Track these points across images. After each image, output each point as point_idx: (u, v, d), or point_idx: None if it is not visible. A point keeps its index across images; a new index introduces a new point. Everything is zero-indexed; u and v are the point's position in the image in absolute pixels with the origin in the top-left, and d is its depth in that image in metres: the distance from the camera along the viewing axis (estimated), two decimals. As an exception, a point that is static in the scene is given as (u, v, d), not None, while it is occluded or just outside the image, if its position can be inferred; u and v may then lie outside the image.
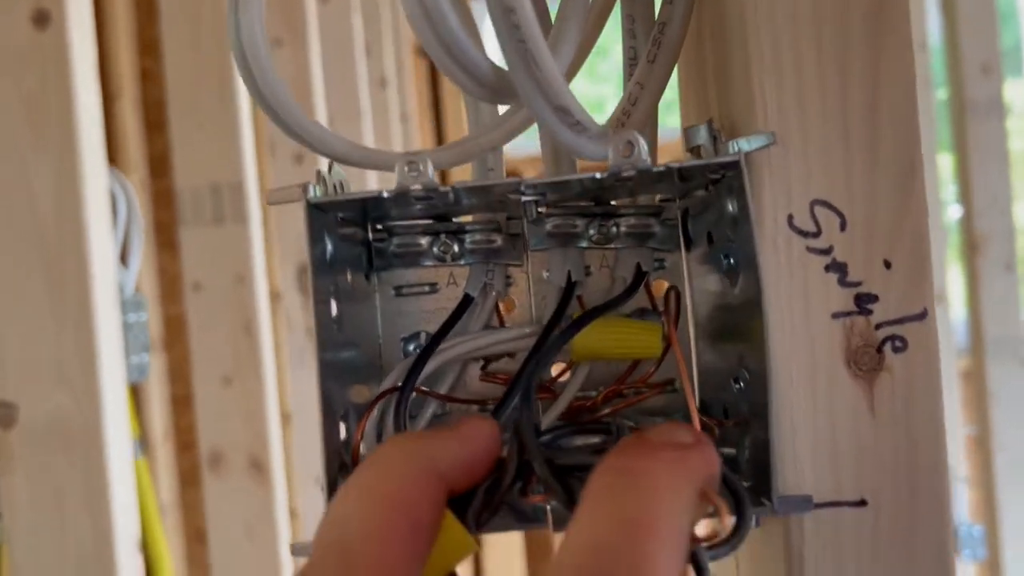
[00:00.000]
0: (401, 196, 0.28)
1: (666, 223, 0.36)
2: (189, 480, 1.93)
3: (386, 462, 0.24)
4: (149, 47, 1.83)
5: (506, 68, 0.28)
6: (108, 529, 0.83)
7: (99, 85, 0.81)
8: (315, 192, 0.29)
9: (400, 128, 2.19)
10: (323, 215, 0.30)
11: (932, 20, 2.01)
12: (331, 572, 0.22)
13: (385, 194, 0.28)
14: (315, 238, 0.29)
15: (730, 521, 0.23)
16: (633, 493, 0.21)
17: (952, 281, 2.01)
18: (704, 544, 0.23)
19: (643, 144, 0.27)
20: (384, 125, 2.02)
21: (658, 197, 0.36)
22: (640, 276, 0.35)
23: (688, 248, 0.36)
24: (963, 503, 1.94)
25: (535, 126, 0.34)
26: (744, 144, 0.27)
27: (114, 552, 0.83)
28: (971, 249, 1.84)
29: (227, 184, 1.17)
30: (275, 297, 1.54)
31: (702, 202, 0.34)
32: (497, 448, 0.26)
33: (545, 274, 0.36)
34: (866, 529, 0.28)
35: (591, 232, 0.36)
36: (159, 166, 1.84)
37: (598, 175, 0.28)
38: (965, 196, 1.84)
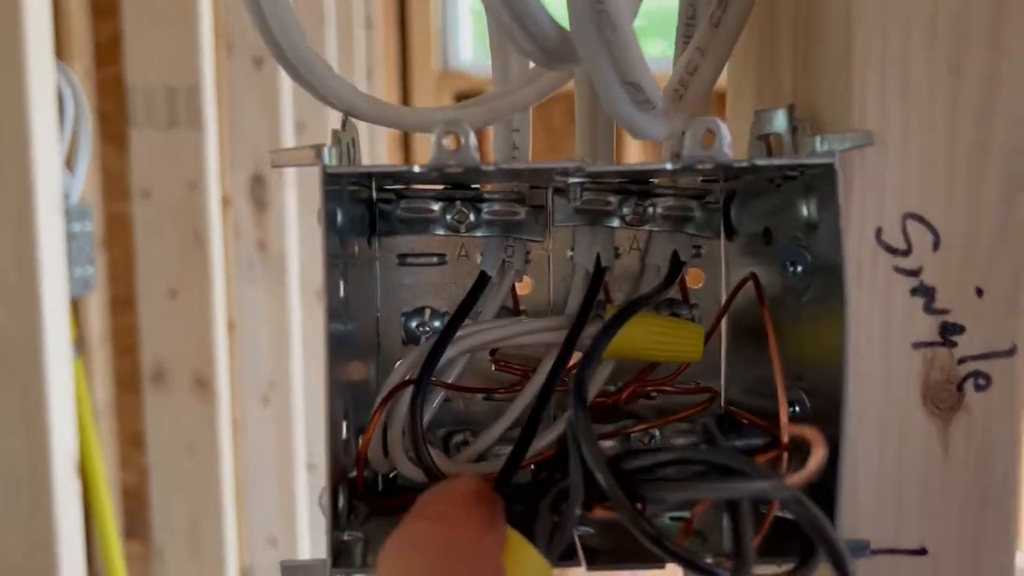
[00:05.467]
0: (433, 171, 0.24)
1: (707, 207, 0.32)
2: (127, 384, 1.87)
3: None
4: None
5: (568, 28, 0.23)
6: (44, 450, 0.79)
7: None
8: (330, 157, 0.24)
9: (364, 36, 2.09)
10: (338, 180, 0.26)
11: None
12: None
13: (417, 169, 0.24)
14: (331, 206, 0.25)
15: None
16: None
17: None
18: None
19: (725, 133, 0.23)
20: (348, 32, 1.93)
21: (700, 177, 0.32)
22: (678, 265, 0.31)
23: (729, 236, 0.32)
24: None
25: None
26: (837, 143, 0.24)
27: (50, 474, 0.79)
28: None
29: (183, 87, 1.10)
30: (224, 204, 1.47)
31: (751, 188, 0.31)
32: None
33: (569, 253, 0.32)
34: (923, 580, 0.25)
35: (625, 211, 0.32)
36: (106, 54, 1.73)
37: (670, 166, 0.24)
38: None
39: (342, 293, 0.27)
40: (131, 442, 1.88)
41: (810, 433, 0.21)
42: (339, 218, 0.26)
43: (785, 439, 0.24)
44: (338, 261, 0.26)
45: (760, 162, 0.24)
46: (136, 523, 1.79)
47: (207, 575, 1.19)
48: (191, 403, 1.19)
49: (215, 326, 1.18)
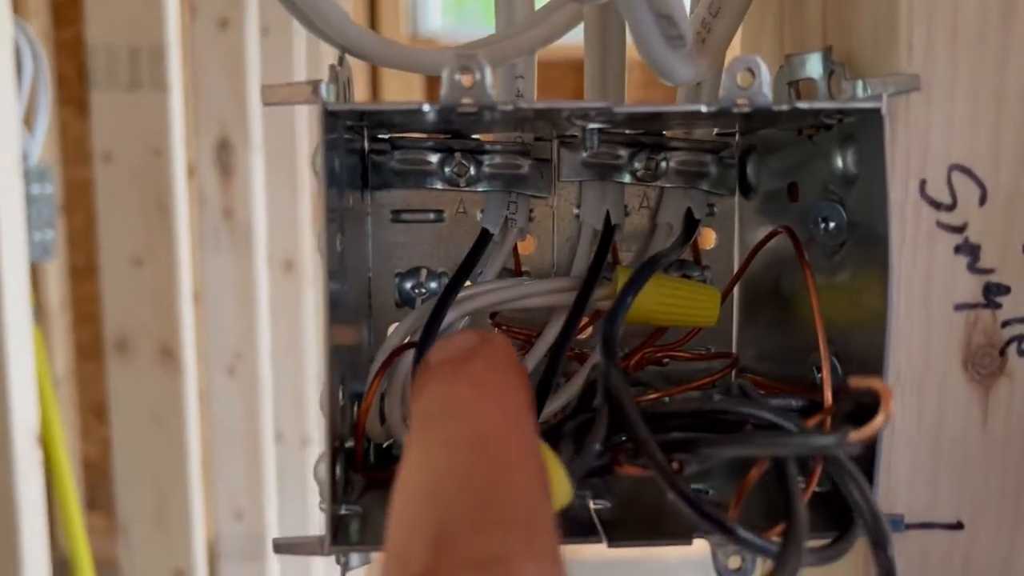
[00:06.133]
0: (444, 110, 0.22)
1: (723, 162, 0.30)
2: (87, 354, 1.83)
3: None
4: None
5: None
6: (4, 421, 0.76)
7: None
8: (328, 93, 0.22)
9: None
10: (335, 121, 0.23)
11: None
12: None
13: (426, 108, 0.22)
14: (331, 154, 0.22)
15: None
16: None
17: None
18: None
19: (766, 74, 0.21)
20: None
21: (715, 130, 0.30)
22: (692, 224, 0.30)
23: (745, 193, 0.31)
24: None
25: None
26: (881, 87, 0.22)
27: (11, 445, 0.76)
28: None
29: (147, 47, 1.05)
30: (189, 171, 1.43)
31: (770, 142, 0.29)
32: None
33: (575, 211, 0.30)
34: (957, 556, 0.24)
35: (636, 165, 0.30)
36: (65, 13, 1.67)
37: (704, 108, 0.22)
38: None
39: (339, 249, 0.25)
40: (92, 412, 1.84)
41: (878, 385, 0.20)
42: (336, 165, 0.24)
43: (829, 401, 0.22)
44: (335, 215, 0.24)
45: (803, 105, 0.22)
46: (98, 495, 1.76)
47: (172, 548, 1.17)
48: (155, 373, 1.16)
49: (180, 295, 1.15)
